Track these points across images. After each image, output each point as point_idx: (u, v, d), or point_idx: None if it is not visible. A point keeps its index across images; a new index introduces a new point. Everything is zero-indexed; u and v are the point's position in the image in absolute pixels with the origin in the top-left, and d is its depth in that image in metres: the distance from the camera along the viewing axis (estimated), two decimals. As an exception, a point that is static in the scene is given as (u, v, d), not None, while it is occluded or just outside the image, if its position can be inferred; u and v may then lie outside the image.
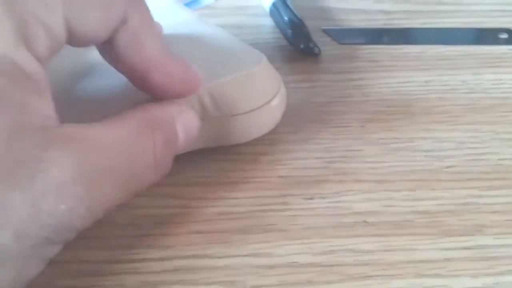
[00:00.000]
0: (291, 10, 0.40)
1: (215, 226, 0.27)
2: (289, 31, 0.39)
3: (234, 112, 0.29)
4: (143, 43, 0.23)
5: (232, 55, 0.30)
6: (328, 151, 0.31)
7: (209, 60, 0.29)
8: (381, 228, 0.27)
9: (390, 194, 0.29)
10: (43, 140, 0.19)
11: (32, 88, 0.20)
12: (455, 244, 0.27)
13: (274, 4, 0.41)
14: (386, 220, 0.28)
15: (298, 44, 0.38)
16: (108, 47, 0.23)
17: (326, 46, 0.39)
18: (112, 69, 0.25)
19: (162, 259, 0.26)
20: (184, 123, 0.25)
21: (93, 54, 0.25)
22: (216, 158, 0.31)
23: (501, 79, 0.36)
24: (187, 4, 0.41)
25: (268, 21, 0.42)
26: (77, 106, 0.27)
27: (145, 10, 0.24)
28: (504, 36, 0.40)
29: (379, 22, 0.42)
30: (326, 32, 0.41)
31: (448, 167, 0.30)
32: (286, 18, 0.39)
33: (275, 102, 0.30)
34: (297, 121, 0.33)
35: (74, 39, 0.22)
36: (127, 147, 0.22)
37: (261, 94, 0.29)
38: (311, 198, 0.29)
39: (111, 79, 0.26)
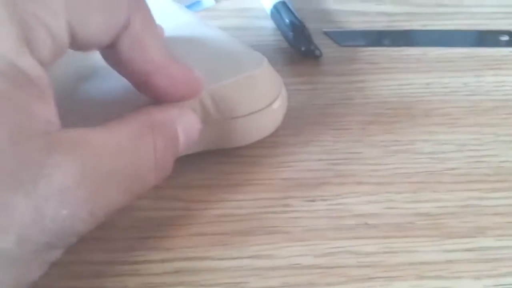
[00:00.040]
0: (292, 12, 0.40)
1: (216, 228, 0.27)
2: (290, 33, 0.39)
3: (235, 115, 0.29)
4: (145, 46, 0.23)
5: (233, 58, 0.30)
6: (329, 153, 0.31)
7: (210, 63, 0.29)
8: (383, 230, 0.27)
9: (391, 196, 0.29)
10: (46, 145, 0.19)
11: (35, 93, 0.20)
12: (457, 246, 0.27)
13: (275, 7, 0.41)
14: (387, 222, 0.28)
15: (299, 47, 0.38)
16: (110, 51, 0.23)
17: (327, 48, 0.39)
18: (115, 72, 0.25)
19: (163, 261, 0.26)
20: (185, 126, 0.25)
21: (96, 58, 0.25)
22: (217, 161, 0.31)
23: (503, 81, 0.36)
24: (188, 7, 0.41)
25: (269, 24, 0.42)
26: (79, 109, 0.27)
27: (147, 13, 0.24)
28: (505, 38, 0.40)
29: (380, 24, 0.42)
30: (327, 34, 0.41)
31: (449, 169, 0.30)
32: (287, 20, 0.40)
33: (276, 104, 0.30)
34: (298, 124, 0.33)
35: (77, 44, 0.22)
36: (129, 150, 0.22)
37: (262, 97, 0.29)
38: (312, 200, 0.29)
39: (113, 82, 0.26)
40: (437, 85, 0.36)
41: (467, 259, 0.26)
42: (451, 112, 0.34)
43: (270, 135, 0.31)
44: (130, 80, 0.25)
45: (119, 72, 0.25)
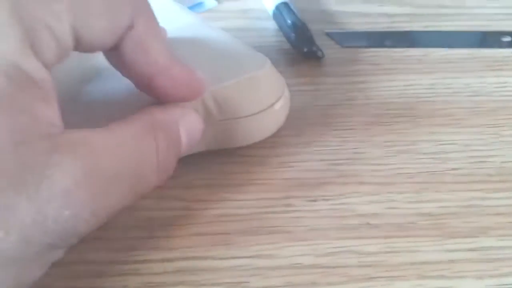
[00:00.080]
0: (294, 14, 0.40)
1: (218, 228, 0.27)
2: (292, 35, 0.39)
3: (238, 115, 0.29)
4: (149, 48, 0.23)
5: (236, 59, 0.30)
6: (331, 154, 0.31)
7: (213, 64, 0.29)
8: (385, 230, 0.27)
9: (393, 196, 0.29)
10: (49, 147, 0.19)
11: (38, 95, 0.20)
12: (459, 246, 0.27)
13: (277, 8, 0.41)
14: (389, 222, 0.28)
15: (301, 48, 0.38)
16: (114, 52, 0.24)
17: (329, 49, 0.39)
18: (118, 73, 0.25)
19: (164, 260, 0.26)
20: (187, 126, 0.25)
21: (99, 59, 0.25)
22: (219, 161, 0.31)
23: (505, 82, 0.36)
24: (190, 8, 0.41)
25: (271, 25, 0.42)
26: (83, 110, 0.27)
27: (151, 15, 0.24)
28: (507, 39, 0.40)
29: (382, 25, 0.42)
30: (329, 35, 0.41)
31: (452, 169, 0.30)
32: (289, 22, 0.40)
33: (278, 105, 0.30)
34: (300, 124, 0.33)
35: (81, 46, 0.22)
36: (131, 151, 0.22)
37: (265, 98, 0.29)
38: (314, 200, 0.29)
39: (116, 83, 0.26)
40: (439, 86, 0.36)
41: (469, 259, 0.26)
42: (454, 112, 0.34)
43: (272, 135, 0.31)
44: (133, 81, 0.25)
45: (122, 73, 0.25)
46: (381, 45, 0.40)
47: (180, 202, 0.28)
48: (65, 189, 0.19)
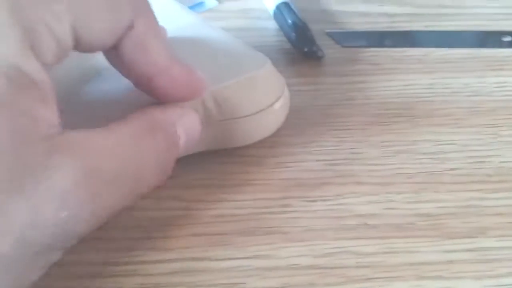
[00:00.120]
0: (294, 13, 0.40)
1: (216, 228, 0.27)
2: (293, 34, 0.39)
3: (238, 115, 0.29)
4: (148, 48, 0.24)
5: (236, 58, 0.30)
6: (330, 154, 0.31)
7: (213, 63, 0.29)
8: (383, 230, 0.27)
9: (392, 196, 0.29)
10: (48, 148, 0.19)
11: (38, 97, 0.20)
12: (458, 246, 0.27)
13: (278, 7, 0.41)
14: (387, 222, 0.28)
15: (302, 47, 0.38)
16: (113, 52, 0.24)
17: (330, 49, 0.39)
18: (117, 73, 0.25)
19: (163, 261, 0.26)
20: (185, 126, 0.25)
21: (99, 59, 0.25)
22: (218, 161, 0.31)
23: (504, 82, 0.36)
24: (191, 8, 0.41)
25: (272, 24, 0.42)
26: (82, 110, 0.27)
27: (151, 15, 0.24)
28: (507, 39, 0.40)
29: (382, 25, 0.42)
30: (329, 35, 0.41)
31: (450, 169, 0.30)
32: (289, 21, 0.40)
33: (278, 105, 0.30)
34: (299, 124, 0.33)
35: (80, 46, 0.22)
36: (130, 151, 0.22)
37: (265, 97, 0.29)
38: (312, 201, 0.29)
39: (116, 83, 0.26)
40: (439, 85, 0.36)
41: (467, 260, 0.26)
42: (453, 112, 0.34)
43: (271, 135, 0.31)
44: (133, 81, 0.25)
45: (122, 73, 0.25)
46: (381, 45, 0.40)
47: (178, 202, 0.28)
48: (64, 190, 0.19)
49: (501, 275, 0.25)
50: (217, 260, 0.26)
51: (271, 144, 0.31)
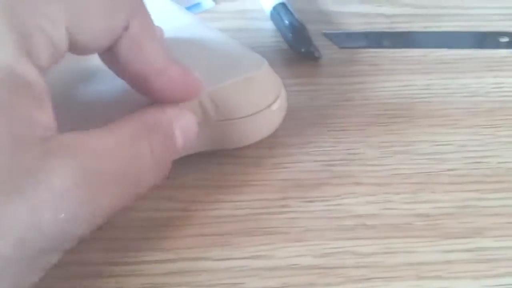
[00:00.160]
0: (292, 14, 0.40)
1: (215, 229, 0.27)
2: (290, 35, 0.39)
3: (235, 116, 0.29)
4: (144, 49, 0.23)
5: (233, 59, 0.30)
6: (328, 155, 0.31)
7: (210, 64, 0.29)
8: (381, 230, 0.27)
9: (390, 197, 0.29)
10: (44, 150, 0.19)
11: (33, 100, 0.20)
12: (455, 247, 0.27)
13: (275, 8, 0.41)
14: (386, 223, 0.28)
15: (299, 48, 0.38)
16: (109, 54, 0.24)
17: (327, 49, 0.39)
18: (113, 74, 0.25)
19: (162, 261, 0.26)
20: (182, 127, 0.25)
21: (94, 60, 0.25)
22: (216, 161, 0.31)
23: (502, 83, 0.36)
24: (188, 8, 0.41)
25: (269, 25, 0.42)
26: (78, 111, 0.27)
27: (146, 15, 0.24)
28: (505, 39, 0.40)
29: (380, 25, 0.42)
30: (326, 35, 0.41)
31: (448, 170, 0.30)
32: (287, 22, 0.40)
33: (275, 106, 0.30)
34: (297, 125, 0.33)
35: (76, 49, 0.22)
36: (126, 151, 0.22)
37: (262, 98, 0.29)
38: (311, 201, 0.29)
39: (112, 84, 0.26)
40: (437, 86, 0.36)
41: (465, 260, 0.26)
42: (451, 113, 0.34)
43: (269, 136, 0.31)
44: (129, 82, 0.25)
45: (118, 74, 0.25)
46: (379, 45, 0.40)
47: (176, 203, 0.28)
48: (63, 191, 0.19)
49: (499, 275, 0.26)
50: (216, 260, 0.26)
51: (269, 145, 0.31)
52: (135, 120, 0.23)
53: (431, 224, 0.28)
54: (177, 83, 0.25)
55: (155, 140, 0.23)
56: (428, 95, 0.35)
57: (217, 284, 0.25)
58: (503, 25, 0.42)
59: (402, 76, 0.37)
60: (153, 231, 0.27)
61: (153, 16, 0.24)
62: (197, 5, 0.44)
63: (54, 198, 0.19)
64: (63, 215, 0.19)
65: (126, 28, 0.23)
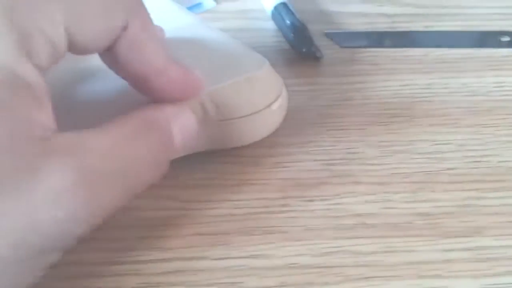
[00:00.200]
0: (293, 14, 0.40)
1: (214, 228, 0.27)
2: (291, 35, 0.39)
3: (236, 115, 0.29)
4: (144, 48, 0.24)
5: (235, 59, 0.30)
6: (328, 154, 0.31)
7: (211, 64, 0.29)
8: (381, 229, 0.27)
9: (389, 196, 0.29)
10: (43, 150, 0.19)
11: (33, 100, 0.20)
12: (455, 246, 0.27)
13: (276, 8, 0.41)
14: (385, 222, 0.28)
15: (300, 48, 0.38)
16: (108, 53, 0.24)
17: (328, 49, 0.39)
18: (113, 73, 0.25)
19: (161, 260, 0.26)
20: (181, 125, 0.25)
21: (94, 60, 0.25)
22: (216, 161, 0.31)
23: (503, 82, 0.36)
24: (189, 8, 0.41)
25: (270, 25, 0.42)
26: (77, 110, 0.27)
27: (145, 15, 0.24)
28: (506, 39, 0.40)
29: (381, 25, 0.42)
30: (328, 35, 0.41)
31: (448, 169, 0.30)
32: (288, 22, 0.40)
33: (276, 105, 0.30)
34: (298, 124, 0.33)
35: (75, 49, 0.22)
36: (125, 150, 0.22)
37: (263, 98, 0.29)
38: (310, 200, 0.29)
39: (111, 83, 0.27)
40: (437, 85, 0.36)
41: (465, 259, 0.26)
42: (451, 112, 0.34)
43: (270, 135, 0.31)
44: (129, 82, 0.25)
45: (118, 73, 0.25)
46: (380, 45, 0.40)
47: (175, 202, 0.29)
48: (61, 191, 0.19)
49: (499, 274, 0.26)
50: (215, 259, 0.26)
51: (269, 144, 0.31)
52: (133, 119, 0.23)
53: (431, 223, 0.28)
54: (177, 83, 0.25)
55: (153, 138, 0.23)
56: (428, 95, 0.35)
57: (215, 283, 0.25)
58: (504, 24, 0.42)
59: (402, 76, 0.37)
60: (153, 231, 0.27)
61: (154, 16, 0.24)
62: (198, 5, 0.44)
63: (54, 198, 0.19)
64: (61, 214, 0.19)
65: (125, 28, 0.23)
